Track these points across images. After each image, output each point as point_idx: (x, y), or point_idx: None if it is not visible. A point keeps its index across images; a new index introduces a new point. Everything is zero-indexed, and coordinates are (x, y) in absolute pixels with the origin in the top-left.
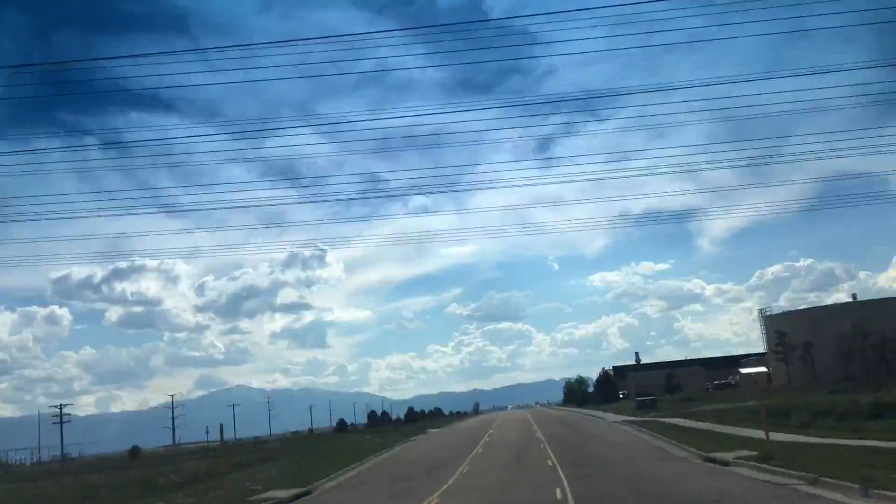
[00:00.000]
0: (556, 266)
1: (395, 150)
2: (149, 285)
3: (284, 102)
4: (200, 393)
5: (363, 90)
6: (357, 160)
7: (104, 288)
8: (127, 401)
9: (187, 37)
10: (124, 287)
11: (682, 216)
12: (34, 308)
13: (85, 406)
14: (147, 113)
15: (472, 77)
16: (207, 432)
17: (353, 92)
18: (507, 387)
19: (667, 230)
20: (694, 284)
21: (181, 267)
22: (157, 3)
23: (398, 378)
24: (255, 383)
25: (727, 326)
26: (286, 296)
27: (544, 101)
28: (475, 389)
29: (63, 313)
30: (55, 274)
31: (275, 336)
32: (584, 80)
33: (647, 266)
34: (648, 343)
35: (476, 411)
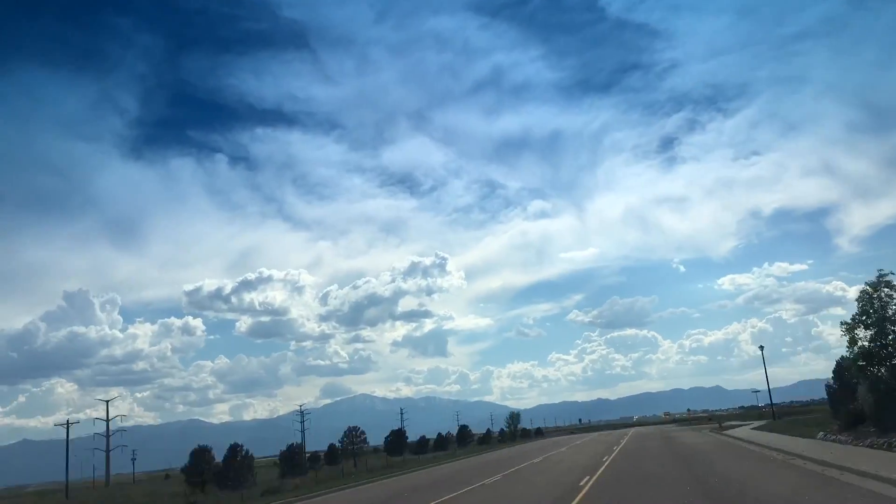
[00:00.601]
0: (682, 269)
1: (513, 155)
2: (275, 295)
3: (401, 111)
4: (326, 401)
5: (478, 95)
6: (475, 166)
7: (234, 299)
8: (259, 409)
9: (306, 50)
10: (252, 297)
11: (820, 213)
12: (171, 319)
13: (220, 414)
14: (271, 128)
15: (590, 76)
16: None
17: (469, 97)
18: (633, 396)
19: (802, 229)
20: (834, 286)
21: (305, 277)
22: (276, 19)
23: (520, 387)
24: (379, 392)
25: None
26: (407, 304)
27: (667, 97)
28: (599, 399)
29: (197, 324)
30: (188, 286)
31: (396, 345)
32: (708, 74)
33: (781, 267)
34: (784, 350)
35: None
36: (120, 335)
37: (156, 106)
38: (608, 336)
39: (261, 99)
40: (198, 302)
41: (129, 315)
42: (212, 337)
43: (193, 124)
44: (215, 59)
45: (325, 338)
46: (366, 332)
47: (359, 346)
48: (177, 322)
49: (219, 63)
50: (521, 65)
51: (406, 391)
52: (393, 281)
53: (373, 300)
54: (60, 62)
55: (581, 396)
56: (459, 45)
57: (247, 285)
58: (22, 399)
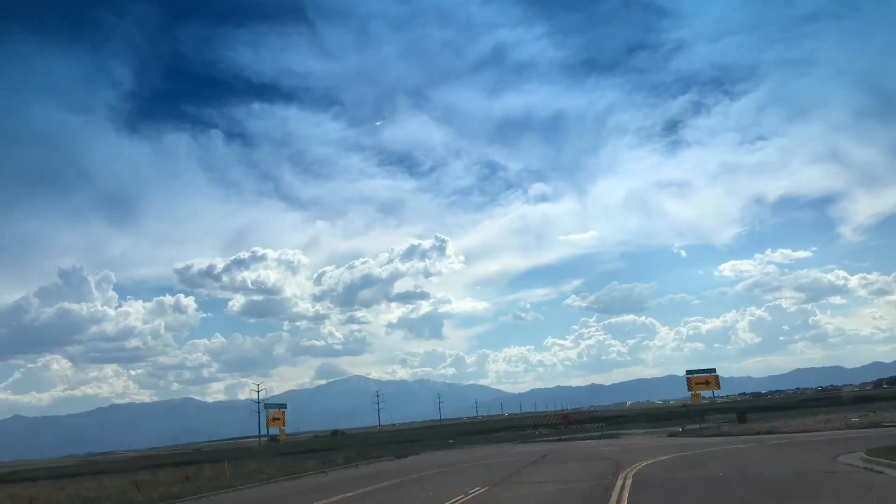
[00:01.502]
0: (683, 254)
1: (515, 136)
2: (269, 274)
3: (400, 88)
4: (321, 382)
5: (480, 73)
6: (475, 147)
7: (227, 277)
8: (254, 388)
9: (305, 23)
10: (246, 276)
11: (824, 200)
12: (165, 297)
13: (215, 393)
14: (268, 103)
15: (595, 56)
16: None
17: (470, 76)
18: (626, 382)
19: (806, 217)
20: (835, 276)
21: (300, 257)
22: None
23: (515, 371)
24: (374, 374)
25: (869, 321)
26: (404, 286)
27: (673, 79)
28: (593, 384)
29: (190, 302)
30: (182, 264)
31: (392, 327)
32: (716, 55)
33: (784, 254)
34: (781, 338)
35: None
36: (113, 312)
37: (150, 78)
38: (605, 322)
39: (258, 73)
40: (191, 280)
41: (123, 292)
42: (205, 315)
43: (189, 98)
44: (211, 30)
45: (319, 318)
46: (361, 314)
47: (354, 327)
48: (170, 300)
49: (215, 35)
50: (525, 42)
51: (401, 373)
52: (390, 262)
53: (369, 282)
54: (53, 30)
55: (576, 381)
56: (462, 21)
57: (240, 264)
58: (17, 375)
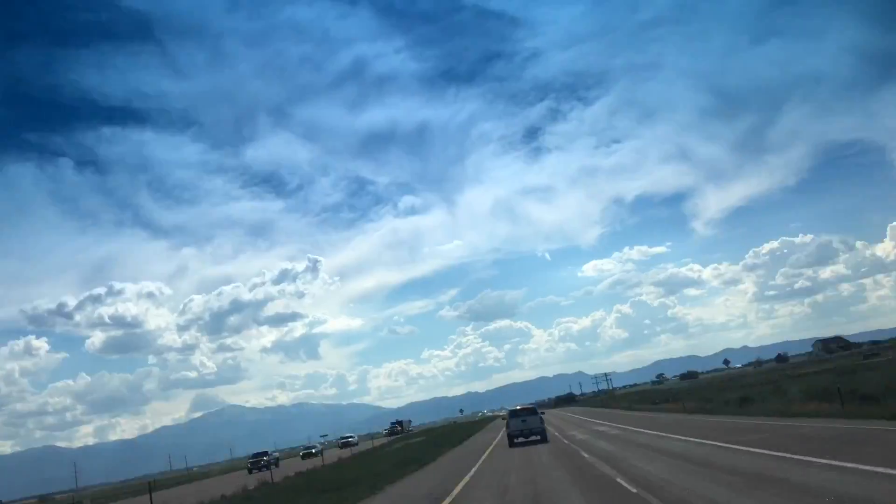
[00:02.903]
0: (548, 257)
1: (380, 149)
2: (129, 308)
3: (260, 106)
4: (196, 415)
5: (341, 88)
6: (341, 163)
7: (79, 315)
8: (126, 428)
9: (152, 42)
10: (103, 311)
11: (677, 198)
12: (17, 340)
13: (83, 437)
14: (120, 127)
15: (453, 66)
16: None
17: (331, 91)
18: (501, 387)
19: (661, 214)
20: (690, 268)
21: (164, 288)
22: (117, 9)
23: (397, 385)
24: (253, 400)
25: (723, 310)
26: (279, 308)
27: (530, 86)
28: (468, 392)
29: (45, 344)
30: (36, 304)
31: (267, 351)
32: (568, 63)
33: (641, 251)
34: (645, 332)
35: None
36: None
37: None
38: (482, 329)
39: (105, 95)
40: (42, 319)
41: None
42: (63, 355)
43: (32, 125)
44: (51, 52)
45: (188, 349)
46: (232, 340)
47: (227, 354)
48: (24, 342)
49: (56, 57)
50: (384, 56)
51: (282, 398)
52: (262, 285)
53: (239, 307)
54: None
55: (455, 391)
56: (319, 35)
57: (95, 299)
58: None
